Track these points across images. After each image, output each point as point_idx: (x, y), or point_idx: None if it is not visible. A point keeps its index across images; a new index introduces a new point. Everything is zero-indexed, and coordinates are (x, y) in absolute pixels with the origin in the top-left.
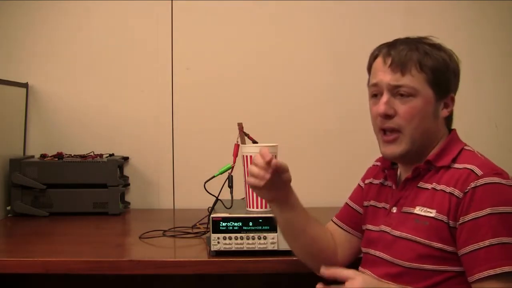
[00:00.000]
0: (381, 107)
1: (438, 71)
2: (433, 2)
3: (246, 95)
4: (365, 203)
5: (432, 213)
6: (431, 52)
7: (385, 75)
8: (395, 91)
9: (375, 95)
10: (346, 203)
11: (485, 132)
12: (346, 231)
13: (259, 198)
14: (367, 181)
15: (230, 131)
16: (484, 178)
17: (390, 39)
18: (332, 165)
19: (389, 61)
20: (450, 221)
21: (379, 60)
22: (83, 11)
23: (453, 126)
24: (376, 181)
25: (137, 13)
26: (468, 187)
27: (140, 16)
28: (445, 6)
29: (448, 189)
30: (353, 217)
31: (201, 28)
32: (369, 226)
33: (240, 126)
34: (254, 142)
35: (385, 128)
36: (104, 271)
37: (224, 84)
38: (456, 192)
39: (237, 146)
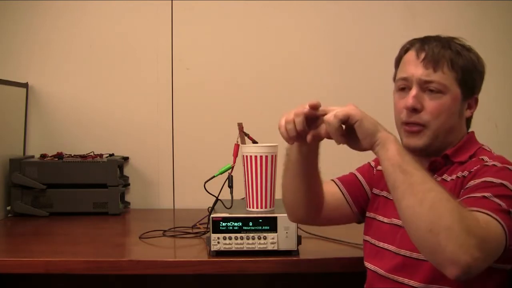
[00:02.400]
0: (410, 100)
1: (468, 71)
2: (433, 2)
3: (246, 95)
4: (376, 191)
5: None
6: (462, 52)
7: (416, 69)
8: (425, 86)
9: (402, 89)
10: (353, 173)
11: (485, 132)
12: (344, 195)
13: (259, 198)
14: (379, 167)
15: (230, 131)
16: (493, 162)
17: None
18: (333, 165)
19: (422, 56)
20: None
21: (411, 54)
22: (83, 11)
23: None
24: None
25: (137, 13)
26: (475, 167)
27: (140, 16)
28: (445, 6)
29: (458, 175)
30: (356, 187)
31: (201, 28)
32: (379, 217)
33: (240, 126)
34: (254, 142)
35: (410, 122)
36: (104, 271)
37: (224, 84)
38: (465, 173)
39: (237, 146)
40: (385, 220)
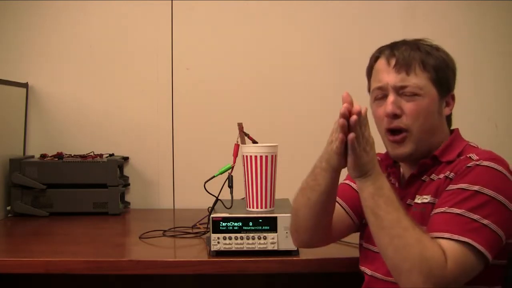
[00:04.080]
0: (389, 107)
1: (440, 70)
2: (433, 2)
3: (246, 95)
4: None
5: (427, 198)
6: (431, 52)
7: (389, 76)
8: (401, 91)
9: (379, 98)
10: (344, 183)
11: (485, 132)
12: (343, 208)
13: (259, 198)
14: None
15: (230, 131)
16: (480, 161)
17: (390, 40)
18: None
19: (393, 62)
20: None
21: (381, 62)
22: (83, 11)
23: (453, 126)
24: None
25: (137, 13)
26: (461, 169)
27: (140, 16)
28: (445, 6)
29: (446, 174)
30: (351, 196)
31: (201, 28)
32: None
33: (240, 126)
34: (254, 142)
35: (393, 128)
36: (104, 271)
37: (224, 84)
38: (451, 175)
39: (237, 146)
40: None
